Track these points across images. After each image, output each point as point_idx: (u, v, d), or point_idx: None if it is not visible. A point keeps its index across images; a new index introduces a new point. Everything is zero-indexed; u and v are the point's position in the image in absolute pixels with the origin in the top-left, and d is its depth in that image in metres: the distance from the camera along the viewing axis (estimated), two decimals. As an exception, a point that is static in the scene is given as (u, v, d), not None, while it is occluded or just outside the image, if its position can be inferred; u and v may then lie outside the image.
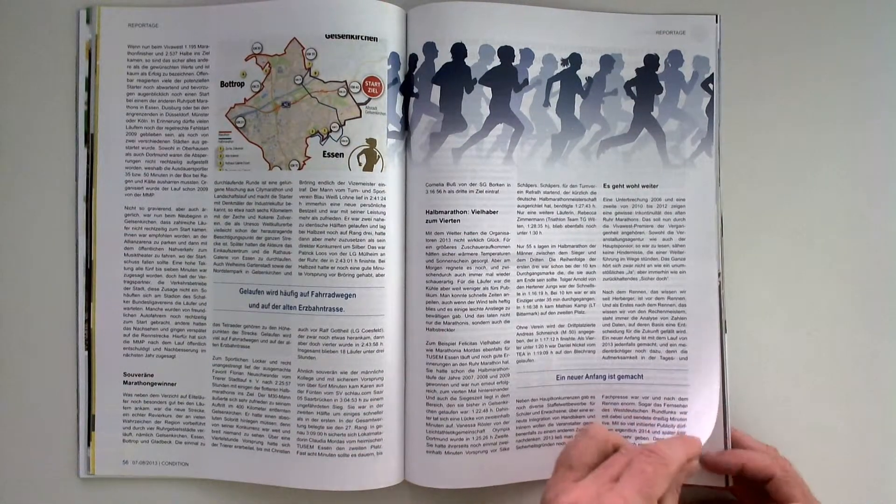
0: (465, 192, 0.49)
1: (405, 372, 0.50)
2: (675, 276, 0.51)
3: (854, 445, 0.52)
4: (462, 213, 0.49)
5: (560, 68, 0.51)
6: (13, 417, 0.52)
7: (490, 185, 0.50)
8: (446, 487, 0.50)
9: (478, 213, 0.49)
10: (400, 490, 0.51)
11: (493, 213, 0.50)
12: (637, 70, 0.51)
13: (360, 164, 0.49)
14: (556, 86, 0.51)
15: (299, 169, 0.49)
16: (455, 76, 0.50)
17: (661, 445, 0.42)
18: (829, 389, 0.53)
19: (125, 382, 0.51)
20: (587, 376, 0.51)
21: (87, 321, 0.51)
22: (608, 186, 0.51)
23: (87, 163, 0.51)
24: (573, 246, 0.51)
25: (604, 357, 0.51)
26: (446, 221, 0.49)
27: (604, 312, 0.51)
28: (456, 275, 0.49)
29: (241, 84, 0.51)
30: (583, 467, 0.41)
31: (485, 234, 0.49)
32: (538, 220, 0.50)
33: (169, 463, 0.51)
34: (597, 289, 0.51)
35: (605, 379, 0.51)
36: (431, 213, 0.49)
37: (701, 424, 0.50)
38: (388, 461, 0.50)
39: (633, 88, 0.51)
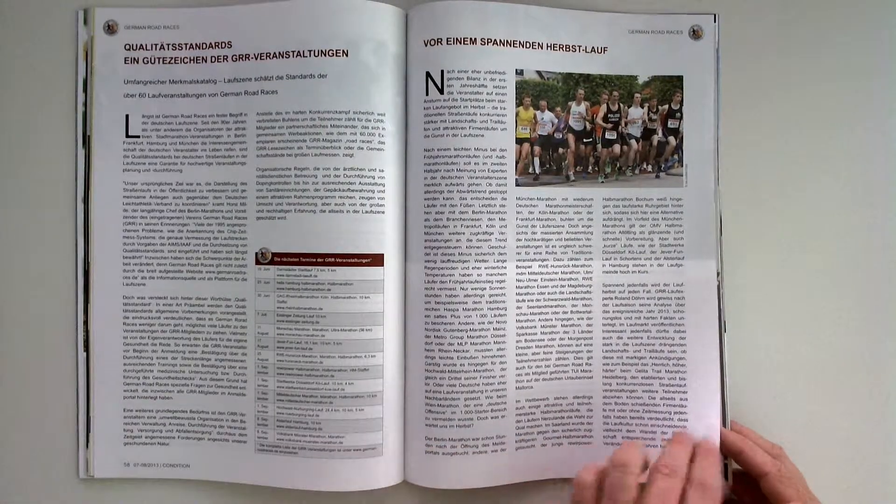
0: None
1: (405, 373, 0.51)
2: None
3: (854, 445, 0.52)
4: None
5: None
6: (13, 418, 0.52)
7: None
8: (446, 488, 0.50)
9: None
10: (400, 490, 0.51)
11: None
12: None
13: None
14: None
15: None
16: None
17: (702, 473, 0.44)
18: (829, 389, 0.53)
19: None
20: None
21: (86, 322, 0.51)
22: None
23: (85, 164, 0.51)
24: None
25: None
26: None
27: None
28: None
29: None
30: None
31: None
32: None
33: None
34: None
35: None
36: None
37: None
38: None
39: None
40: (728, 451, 0.49)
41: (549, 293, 0.51)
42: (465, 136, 0.49)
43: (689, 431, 0.49)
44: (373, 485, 0.49)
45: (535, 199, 0.51)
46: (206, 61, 0.51)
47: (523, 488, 0.51)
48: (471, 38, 0.50)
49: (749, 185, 0.52)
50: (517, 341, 0.50)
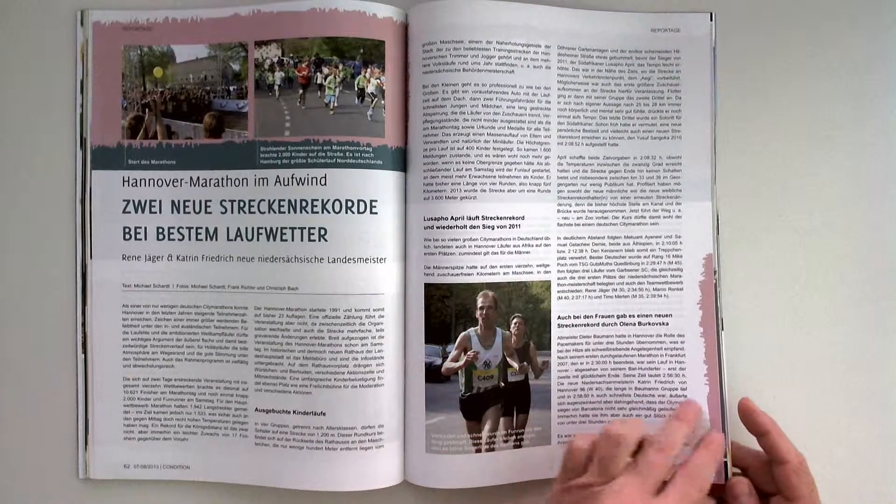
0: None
1: (405, 372, 0.51)
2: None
3: (854, 445, 0.53)
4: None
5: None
6: (13, 419, 0.52)
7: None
8: (446, 487, 0.50)
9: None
10: (400, 490, 0.51)
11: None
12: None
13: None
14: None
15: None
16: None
17: (696, 460, 0.44)
18: (829, 389, 0.53)
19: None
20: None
21: (83, 324, 0.51)
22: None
23: (83, 165, 0.51)
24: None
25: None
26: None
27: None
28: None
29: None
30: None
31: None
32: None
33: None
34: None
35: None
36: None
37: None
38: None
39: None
40: (755, 431, 0.48)
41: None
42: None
43: (695, 404, 0.49)
44: (372, 484, 0.49)
45: None
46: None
47: (525, 487, 0.51)
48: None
49: (746, 185, 0.52)
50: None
